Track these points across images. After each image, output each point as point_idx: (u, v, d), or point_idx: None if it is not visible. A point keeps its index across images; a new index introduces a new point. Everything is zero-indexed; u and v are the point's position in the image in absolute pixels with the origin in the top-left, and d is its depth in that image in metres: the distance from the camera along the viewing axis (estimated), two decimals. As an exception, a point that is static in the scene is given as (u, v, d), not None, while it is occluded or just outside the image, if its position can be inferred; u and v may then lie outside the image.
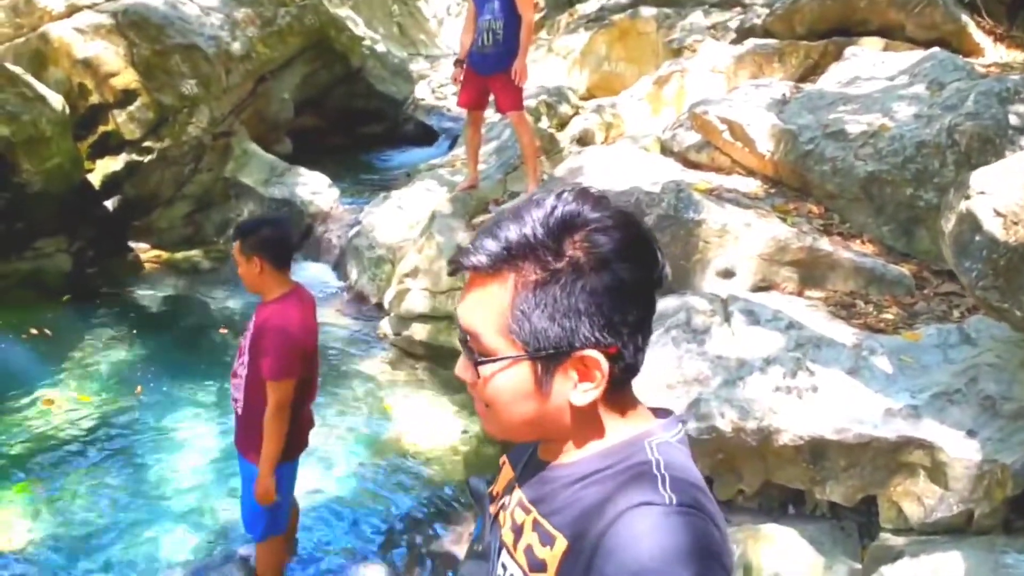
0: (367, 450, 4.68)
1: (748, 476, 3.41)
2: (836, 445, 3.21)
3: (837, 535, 3.46)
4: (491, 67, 5.46)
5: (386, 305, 5.83)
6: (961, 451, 3.01)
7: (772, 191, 5.14)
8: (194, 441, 4.68)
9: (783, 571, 3.13)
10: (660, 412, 1.09)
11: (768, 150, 5.16)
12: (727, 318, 3.83)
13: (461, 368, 1.06)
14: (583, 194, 1.01)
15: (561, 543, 0.98)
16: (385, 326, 5.77)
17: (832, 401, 3.32)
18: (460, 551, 3.94)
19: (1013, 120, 4.34)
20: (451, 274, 1.05)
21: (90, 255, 6.73)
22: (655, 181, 4.91)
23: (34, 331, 5.78)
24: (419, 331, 5.57)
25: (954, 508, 2.99)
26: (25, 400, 5.01)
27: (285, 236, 3.21)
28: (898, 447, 3.15)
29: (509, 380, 1.00)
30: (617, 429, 1.03)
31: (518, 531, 1.05)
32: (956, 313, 3.98)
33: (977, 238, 2.87)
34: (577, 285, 0.96)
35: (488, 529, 1.11)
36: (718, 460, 3.38)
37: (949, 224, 3.04)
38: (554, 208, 0.99)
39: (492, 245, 0.98)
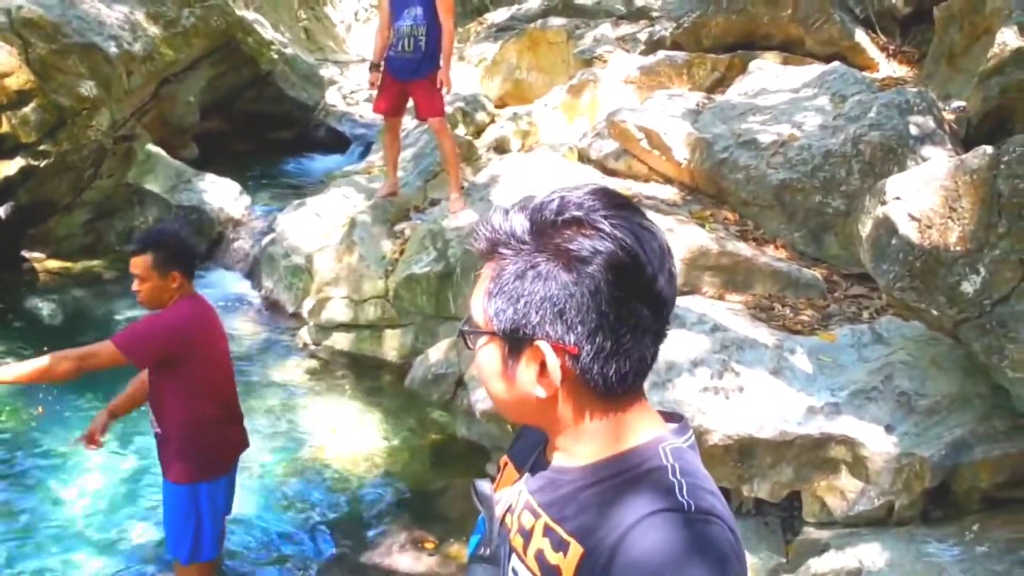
0: (290, 463, 4.55)
1: (678, 477, 3.48)
2: (763, 443, 3.31)
3: (762, 531, 3.57)
4: (412, 72, 5.42)
5: (305, 314, 5.69)
6: (880, 445, 3.15)
7: (689, 198, 5.28)
8: (101, 463, 4.44)
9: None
10: (670, 416, 1.09)
11: (685, 158, 5.29)
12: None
13: None
14: (603, 195, 1.00)
15: (576, 550, 0.97)
16: (304, 335, 5.63)
17: (758, 401, 3.43)
18: (389, 562, 3.88)
19: (913, 130, 4.59)
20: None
21: (-20, 266, 6.33)
22: (577, 188, 4.97)
23: (-81, 348, 5.39)
24: (340, 340, 5.46)
25: (875, 501, 3.13)
26: (-87, 423, 4.66)
27: (193, 244, 3.15)
28: (821, 443, 3.27)
29: (485, 355, 1.05)
30: (627, 433, 1.03)
31: (527, 535, 1.04)
32: (866, 314, 4.17)
33: (894, 241, 3.02)
34: (541, 275, 0.97)
35: (495, 533, 1.09)
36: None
37: (866, 228, 3.18)
38: (553, 202, 1.00)
39: (487, 231, 1.03)
